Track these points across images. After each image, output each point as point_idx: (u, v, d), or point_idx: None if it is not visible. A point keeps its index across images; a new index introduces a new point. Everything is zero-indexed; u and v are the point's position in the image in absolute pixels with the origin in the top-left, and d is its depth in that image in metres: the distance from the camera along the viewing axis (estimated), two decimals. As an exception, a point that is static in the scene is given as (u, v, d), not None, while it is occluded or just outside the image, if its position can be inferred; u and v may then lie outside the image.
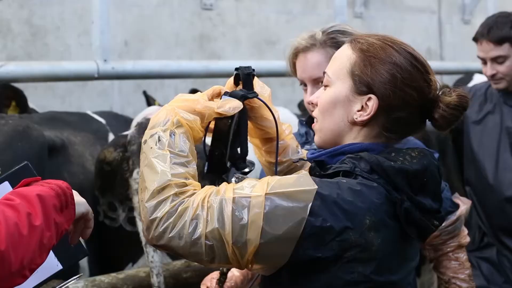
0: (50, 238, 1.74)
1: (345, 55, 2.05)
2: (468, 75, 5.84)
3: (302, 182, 1.88)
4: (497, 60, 3.79)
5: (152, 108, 3.75)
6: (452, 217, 2.66)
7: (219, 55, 6.42)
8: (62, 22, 5.64)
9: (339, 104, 2.03)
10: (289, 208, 1.85)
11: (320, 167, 2.02)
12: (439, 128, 2.04)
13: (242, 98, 2.05)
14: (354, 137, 2.03)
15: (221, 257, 1.87)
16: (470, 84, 4.92)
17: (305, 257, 1.87)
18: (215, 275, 2.53)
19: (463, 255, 2.71)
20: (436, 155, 2.59)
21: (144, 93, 5.04)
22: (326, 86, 2.07)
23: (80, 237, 1.98)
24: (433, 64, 6.43)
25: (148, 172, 1.90)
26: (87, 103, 5.63)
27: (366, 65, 2.01)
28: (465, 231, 2.72)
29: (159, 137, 1.92)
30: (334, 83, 2.05)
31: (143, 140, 1.97)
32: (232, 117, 2.03)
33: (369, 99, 1.99)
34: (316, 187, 1.86)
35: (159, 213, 1.84)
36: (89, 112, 4.33)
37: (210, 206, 1.84)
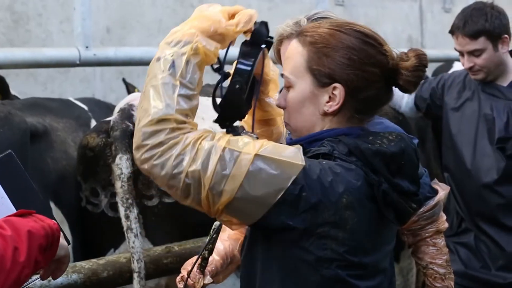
0: (27, 275, 1.77)
1: (297, 52, 2.07)
2: (448, 62, 5.89)
3: (293, 155, 1.91)
4: (473, 53, 3.82)
5: (135, 94, 3.75)
6: (431, 203, 2.68)
7: (201, 42, 6.42)
8: (44, 8, 5.62)
9: (306, 101, 2.06)
10: (272, 175, 1.89)
11: None
12: (407, 91, 2.08)
13: (266, 42, 2.06)
14: (328, 126, 2.06)
15: (194, 198, 1.92)
16: (450, 71, 4.96)
17: (276, 223, 1.92)
18: (194, 259, 2.55)
19: (441, 241, 2.73)
20: (416, 141, 2.62)
21: (124, 80, 5.03)
22: (288, 87, 2.09)
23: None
24: (414, 52, 6.34)
25: (153, 95, 1.91)
26: (69, 90, 5.62)
27: (320, 57, 2.03)
28: (443, 216, 2.75)
29: (173, 61, 1.92)
30: (296, 83, 2.07)
31: (156, 56, 1.96)
32: (253, 62, 2.02)
33: (335, 88, 2.02)
34: (304, 163, 1.90)
35: (150, 141, 1.88)
36: (71, 99, 4.33)
37: (201, 148, 1.88)
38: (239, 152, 1.89)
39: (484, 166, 3.86)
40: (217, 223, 2.29)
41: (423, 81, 4.15)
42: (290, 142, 2.10)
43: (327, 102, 2.03)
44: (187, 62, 1.93)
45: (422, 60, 2.04)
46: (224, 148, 1.89)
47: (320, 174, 1.92)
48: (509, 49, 3.88)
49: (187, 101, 1.92)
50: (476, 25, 3.78)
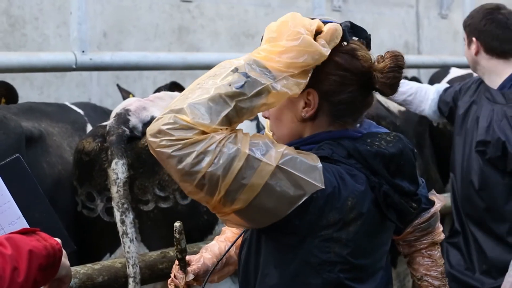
0: None
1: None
2: (444, 68, 5.89)
3: (314, 175, 1.90)
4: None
5: (131, 99, 3.74)
6: (426, 215, 2.65)
7: (197, 47, 6.43)
8: (41, 12, 5.62)
9: (285, 109, 2.07)
10: (288, 191, 1.89)
11: None
12: (386, 94, 2.06)
13: None
14: (309, 132, 2.06)
15: (205, 197, 1.89)
16: (447, 77, 4.99)
17: (284, 224, 1.93)
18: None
19: (436, 252, 2.70)
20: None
21: (118, 86, 5.01)
22: None
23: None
24: (411, 57, 6.53)
25: (205, 98, 1.85)
26: (65, 95, 5.62)
27: None
28: (439, 228, 2.72)
29: (245, 84, 1.87)
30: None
31: (236, 64, 1.91)
32: None
33: (308, 93, 2.02)
34: (323, 187, 1.90)
35: (176, 133, 1.84)
36: (67, 103, 4.32)
37: (223, 151, 1.84)
38: (260, 161, 1.87)
39: (471, 170, 3.90)
40: (177, 224, 2.29)
41: (448, 85, 4.20)
42: (288, 144, 2.08)
43: (303, 107, 2.04)
44: (257, 94, 1.89)
45: (397, 61, 2.03)
46: (248, 156, 1.86)
47: (327, 178, 1.93)
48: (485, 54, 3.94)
49: (229, 122, 1.88)
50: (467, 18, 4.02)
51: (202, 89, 1.88)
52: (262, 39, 2.00)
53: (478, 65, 3.97)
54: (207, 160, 1.83)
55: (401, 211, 2.05)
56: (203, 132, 1.84)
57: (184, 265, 2.42)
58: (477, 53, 3.92)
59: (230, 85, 1.87)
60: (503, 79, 3.88)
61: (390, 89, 2.04)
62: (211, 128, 1.84)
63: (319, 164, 1.93)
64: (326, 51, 1.95)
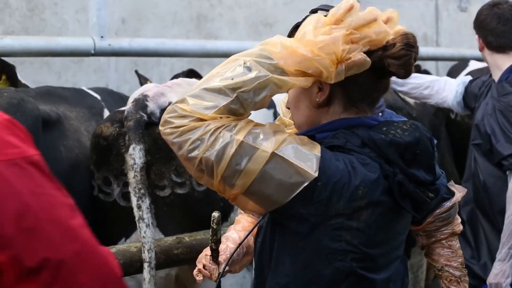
0: None
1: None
2: (463, 61, 5.87)
3: (310, 163, 1.90)
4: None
5: (149, 85, 3.75)
6: (448, 204, 2.65)
7: (215, 35, 6.42)
8: (60, -3, 5.63)
9: (301, 95, 2.07)
10: (285, 178, 1.89)
11: None
12: (400, 76, 2.01)
13: None
14: (326, 118, 2.06)
15: (207, 180, 1.94)
16: (465, 70, 4.99)
17: (290, 212, 1.93)
18: (208, 251, 2.55)
19: (456, 243, 2.70)
20: (435, 142, 2.60)
21: (136, 72, 5.03)
22: None
23: None
24: (429, 50, 6.49)
25: (207, 89, 1.90)
26: (83, 80, 5.63)
27: None
28: (458, 219, 2.72)
29: (246, 80, 1.89)
30: None
31: (243, 58, 1.92)
32: None
33: None
34: (316, 175, 1.89)
35: (176, 120, 1.90)
36: (84, 88, 4.34)
37: (219, 137, 1.88)
38: (257, 148, 1.88)
39: (477, 161, 3.94)
40: (215, 214, 2.29)
41: (471, 78, 4.21)
42: (303, 132, 2.09)
43: (317, 93, 2.03)
44: (260, 87, 1.90)
45: (407, 39, 1.98)
46: (241, 142, 1.88)
47: (336, 166, 1.92)
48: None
49: (232, 112, 1.91)
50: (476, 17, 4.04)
51: (207, 81, 1.92)
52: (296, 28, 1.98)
53: (486, 61, 4.03)
54: (202, 146, 1.88)
55: (417, 201, 2.02)
56: (200, 120, 1.88)
57: (217, 255, 2.40)
58: (482, 49, 3.97)
59: (232, 78, 1.90)
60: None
61: (404, 69, 1.99)
62: (208, 116, 1.88)
63: (317, 154, 1.92)
64: (336, 78, 1.94)
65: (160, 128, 1.94)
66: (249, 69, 1.90)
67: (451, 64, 6.29)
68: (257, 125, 1.93)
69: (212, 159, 1.88)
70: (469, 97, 4.17)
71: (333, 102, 2.04)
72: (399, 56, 1.97)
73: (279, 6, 6.79)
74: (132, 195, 3.23)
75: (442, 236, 2.64)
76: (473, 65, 5.47)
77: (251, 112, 1.96)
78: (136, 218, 3.21)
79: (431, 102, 4.30)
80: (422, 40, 7.75)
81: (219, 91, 1.89)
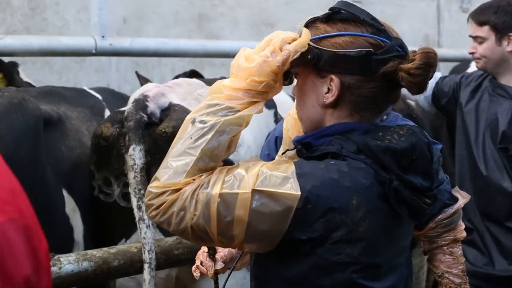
0: None
1: None
2: (465, 62, 5.86)
3: (289, 186, 1.87)
4: (477, 39, 3.96)
5: (150, 85, 3.75)
6: (450, 210, 2.63)
7: (217, 35, 6.42)
8: (61, -3, 5.63)
9: (309, 91, 2.04)
10: (274, 209, 1.86)
11: (306, 149, 2.03)
12: (413, 93, 2.01)
13: None
14: (329, 120, 2.03)
15: (208, 242, 1.97)
16: (467, 72, 4.96)
17: (291, 240, 1.89)
18: (206, 248, 2.56)
19: (458, 250, 2.67)
20: (439, 146, 2.58)
21: (137, 73, 5.03)
22: (296, 74, 2.09)
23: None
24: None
25: (171, 159, 1.92)
26: (84, 80, 5.63)
27: None
28: (462, 225, 2.69)
29: (203, 132, 1.91)
30: (300, 72, 2.06)
31: (191, 115, 1.95)
32: None
33: (331, 80, 1.99)
34: (299, 193, 1.86)
35: (155, 201, 1.90)
36: (85, 88, 4.34)
37: (198, 200, 1.87)
38: (237, 193, 1.86)
39: (488, 168, 3.88)
40: None
41: (442, 76, 4.20)
42: (299, 139, 2.08)
43: (326, 93, 2.01)
44: (219, 133, 1.91)
45: (428, 59, 1.96)
46: (220, 195, 1.86)
47: (324, 179, 1.89)
48: None
49: (203, 169, 1.91)
50: (484, 14, 3.94)
51: (171, 150, 1.94)
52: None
53: (505, 62, 3.95)
54: (187, 215, 1.88)
55: (413, 207, 1.98)
56: (176, 190, 1.88)
57: (213, 252, 2.41)
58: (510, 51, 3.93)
59: (191, 137, 1.91)
60: None
61: (417, 88, 1.98)
62: (182, 183, 1.88)
63: (290, 174, 1.89)
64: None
65: (146, 214, 1.96)
66: (204, 122, 1.91)
67: (453, 65, 6.28)
68: (229, 170, 1.91)
69: (201, 223, 1.88)
70: (439, 93, 4.17)
71: (339, 106, 2.01)
72: (415, 74, 1.95)
73: (280, 6, 6.79)
74: (132, 195, 3.23)
75: (443, 242, 2.62)
76: (475, 66, 5.46)
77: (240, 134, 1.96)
78: (137, 219, 3.21)
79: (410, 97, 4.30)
80: (423, 40, 7.74)
81: (183, 154, 1.90)
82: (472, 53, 4.02)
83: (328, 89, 2.00)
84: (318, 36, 2.01)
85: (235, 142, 1.96)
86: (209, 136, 1.90)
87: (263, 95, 1.95)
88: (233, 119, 1.92)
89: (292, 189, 1.86)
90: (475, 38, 3.96)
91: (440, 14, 7.99)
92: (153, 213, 1.91)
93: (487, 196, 3.90)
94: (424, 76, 1.96)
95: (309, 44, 1.99)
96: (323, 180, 1.88)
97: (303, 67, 2.03)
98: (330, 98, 2.00)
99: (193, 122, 1.93)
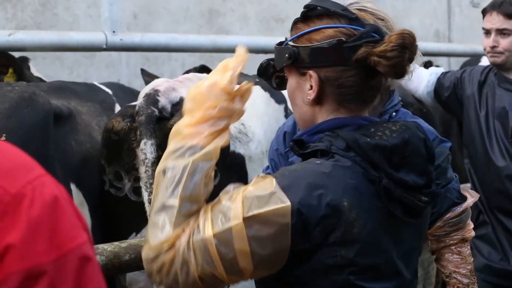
0: None
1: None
2: (475, 57, 5.85)
3: (275, 199, 1.83)
4: (502, 32, 3.88)
5: (161, 80, 3.75)
6: (458, 209, 2.61)
7: (227, 30, 6.42)
8: (72, -8, 5.65)
9: (296, 91, 2.05)
10: (271, 230, 1.82)
11: (299, 147, 2.02)
12: (391, 77, 1.96)
13: None
14: (320, 117, 2.02)
15: (220, 285, 1.90)
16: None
17: (297, 251, 1.85)
18: None
19: (466, 250, 2.64)
20: (448, 144, 2.56)
21: (141, 70, 5.00)
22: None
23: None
24: (441, 46, 6.46)
25: (154, 220, 1.89)
26: (94, 75, 5.64)
27: None
28: (470, 225, 2.67)
29: (177, 177, 1.88)
30: (289, 74, 2.07)
31: (161, 166, 1.93)
32: None
33: (310, 76, 1.98)
34: (289, 203, 1.81)
35: (154, 266, 1.85)
36: (96, 83, 4.35)
37: (195, 248, 1.83)
38: (230, 228, 1.82)
39: (500, 161, 3.86)
40: None
41: (444, 71, 4.18)
42: (296, 136, 2.09)
43: (309, 90, 2.00)
44: (192, 173, 1.88)
45: (403, 40, 1.90)
46: (214, 236, 1.82)
47: (311, 187, 1.84)
48: None
49: (190, 213, 1.88)
50: None
51: (152, 206, 1.91)
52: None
53: None
54: (191, 267, 1.83)
55: (407, 205, 1.91)
56: (170, 246, 1.84)
57: None
58: None
59: (166, 188, 1.88)
60: None
61: (394, 72, 1.92)
62: (173, 236, 1.85)
63: (274, 188, 1.84)
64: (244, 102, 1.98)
65: (151, 280, 1.91)
66: (173, 169, 1.88)
67: (463, 60, 6.28)
68: (213, 207, 1.87)
69: (207, 269, 1.84)
70: (441, 88, 4.12)
71: (324, 101, 2.00)
72: (389, 57, 1.89)
73: (290, 1, 6.78)
74: (143, 190, 3.24)
75: (451, 242, 2.59)
76: (486, 61, 5.44)
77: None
78: (148, 213, 3.21)
79: (410, 91, 4.26)
80: (434, 36, 7.73)
81: (164, 208, 1.87)
82: (493, 47, 3.92)
83: (311, 86, 1.99)
84: (295, 35, 2.03)
85: (210, 179, 1.92)
86: (182, 181, 1.87)
87: (223, 121, 1.93)
88: (200, 157, 1.89)
89: (281, 202, 1.82)
90: (500, 30, 3.88)
91: (450, 9, 7.98)
92: (157, 278, 1.86)
93: (499, 188, 3.89)
94: (400, 58, 1.90)
95: (288, 44, 2.02)
96: (309, 188, 1.84)
97: (288, 69, 2.05)
98: (312, 94, 1.99)
99: (164, 172, 1.90)
